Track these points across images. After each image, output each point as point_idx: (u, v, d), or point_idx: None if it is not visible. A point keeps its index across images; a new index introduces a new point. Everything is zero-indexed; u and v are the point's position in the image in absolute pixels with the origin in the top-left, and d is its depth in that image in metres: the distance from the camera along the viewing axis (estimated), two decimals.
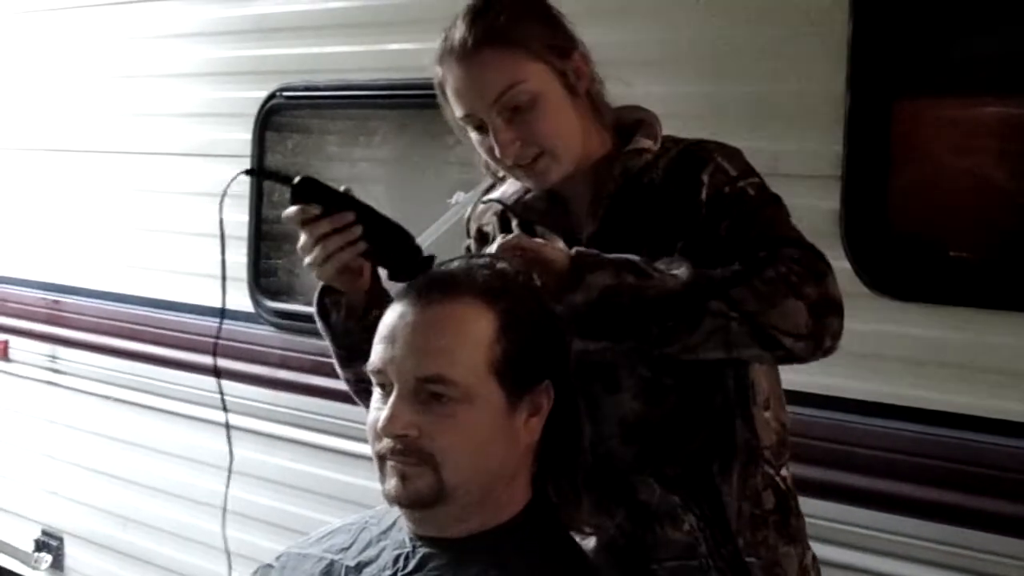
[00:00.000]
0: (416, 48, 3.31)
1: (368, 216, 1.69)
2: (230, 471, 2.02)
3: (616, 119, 1.86)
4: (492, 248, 1.65)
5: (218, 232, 3.84)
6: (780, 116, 2.56)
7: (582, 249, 1.67)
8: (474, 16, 1.77)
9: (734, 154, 1.79)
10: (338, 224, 1.67)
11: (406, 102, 3.54)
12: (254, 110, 3.69)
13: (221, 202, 1.88)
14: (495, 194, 1.94)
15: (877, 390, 2.42)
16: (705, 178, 1.74)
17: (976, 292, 2.37)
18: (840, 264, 2.35)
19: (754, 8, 2.64)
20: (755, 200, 1.74)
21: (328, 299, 1.81)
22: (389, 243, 1.68)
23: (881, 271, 2.43)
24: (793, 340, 1.64)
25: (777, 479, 1.85)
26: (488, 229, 1.98)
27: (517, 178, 1.86)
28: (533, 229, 1.90)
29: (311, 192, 1.69)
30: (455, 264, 1.58)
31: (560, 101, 1.77)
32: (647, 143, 1.81)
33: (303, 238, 1.71)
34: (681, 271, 1.64)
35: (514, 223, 1.92)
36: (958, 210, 2.51)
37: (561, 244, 1.81)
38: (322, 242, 1.68)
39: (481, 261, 1.59)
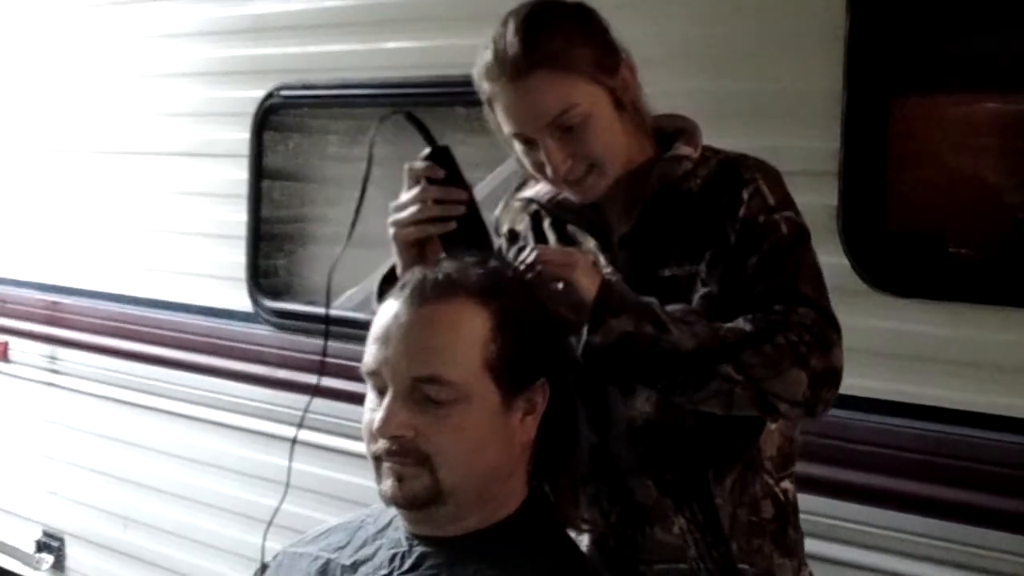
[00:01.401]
0: (414, 46, 3.35)
1: (473, 208, 1.74)
2: (287, 485, 2.03)
3: (657, 127, 1.86)
4: (527, 254, 1.65)
5: (216, 231, 3.88)
6: (778, 113, 2.56)
7: (610, 281, 1.68)
8: (527, 34, 1.75)
9: (774, 177, 1.80)
10: (449, 196, 1.73)
11: (404, 101, 3.53)
12: (252, 109, 3.69)
13: (370, 159, 1.88)
14: (528, 192, 1.94)
15: (876, 387, 2.41)
16: (745, 196, 1.75)
17: (975, 288, 2.37)
18: (838, 260, 2.36)
19: (752, 5, 2.64)
20: (785, 239, 1.74)
21: (387, 288, 1.83)
22: (473, 241, 1.72)
23: (879, 267, 2.42)
24: (789, 407, 1.69)
25: (777, 490, 1.84)
26: (520, 228, 1.98)
27: (561, 190, 1.86)
28: (566, 228, 1.91)
29: (444, 161, 1.75)
30: (449, 264, 1.57)
31: (609, 118, 1.78)
32: (687, 150, 1.82)
33: (409, 194, 1.75)
34: (698, 328, 1.67)
35: (546, 223, 1.93)
36: (956, 206, 2.51)
37: (593, 244, 1.84)
38: (425, 204, 1.73)
39: (475, 260, 1.59)
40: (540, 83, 1.74)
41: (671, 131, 1.86)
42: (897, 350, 2.41)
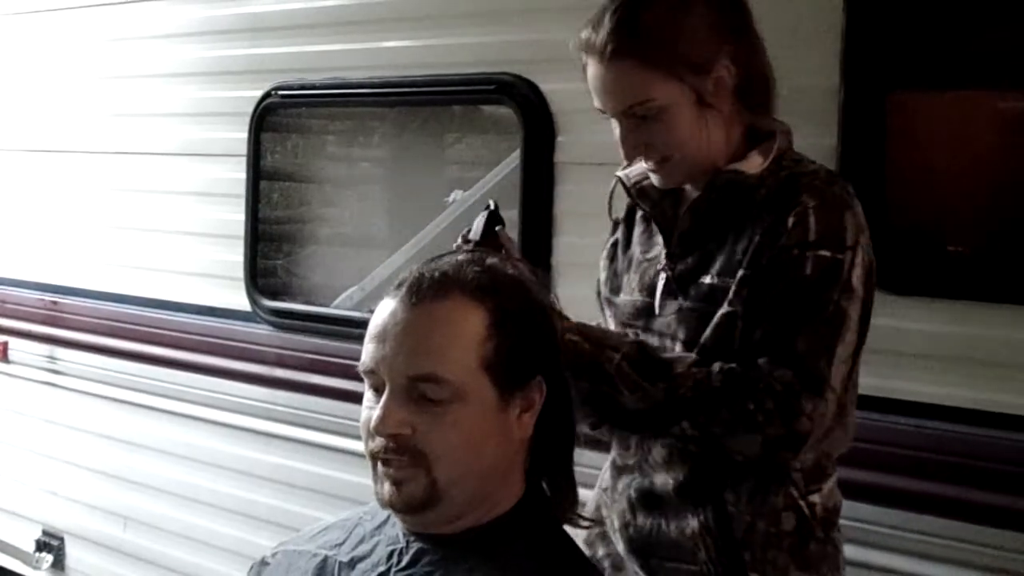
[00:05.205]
0: (412, 46, 3.35)
1: None
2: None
3: (752, 124, 1.87)
4: None
5: (214, 231, 3.88)
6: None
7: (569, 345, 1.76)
8: (622, 18, 1.76)
9: (829, 204, 1.77)
10: None
11: (402, 100, 3.54)
12: (249, 109, 3.69)
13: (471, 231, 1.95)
14: (622, 171, 1.97)
15: (875, 384, 2.40)
16: (790, 223, 1.75)
17: (974, 285, 2.37)
18: None
19: (749, 1, 2.63)
20: (804, 281, 1.74)
21: None
22: None
23: (878, 265, 2.41)
24: (743, 458, 1.78)
25: (802, 503, 1.83)
26: (621, 217, 2.03)
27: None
28: (633, 216, 1.97)
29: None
30: (445, 262, 1.57)
31: (687, 116, 1.79)
32: (756, 162, 1.81)
33: None
34: (653, 391, 1.75)
35: (638, 215, 1.96)
36: (954, 203, 2.51)
37: (659, 240, 1.89)
38: None
39: (471, 258, 1.59)
40: (621, 71, 1.76)
41: (764, 132, 1.86)
42: (896, 348, 2.40)
